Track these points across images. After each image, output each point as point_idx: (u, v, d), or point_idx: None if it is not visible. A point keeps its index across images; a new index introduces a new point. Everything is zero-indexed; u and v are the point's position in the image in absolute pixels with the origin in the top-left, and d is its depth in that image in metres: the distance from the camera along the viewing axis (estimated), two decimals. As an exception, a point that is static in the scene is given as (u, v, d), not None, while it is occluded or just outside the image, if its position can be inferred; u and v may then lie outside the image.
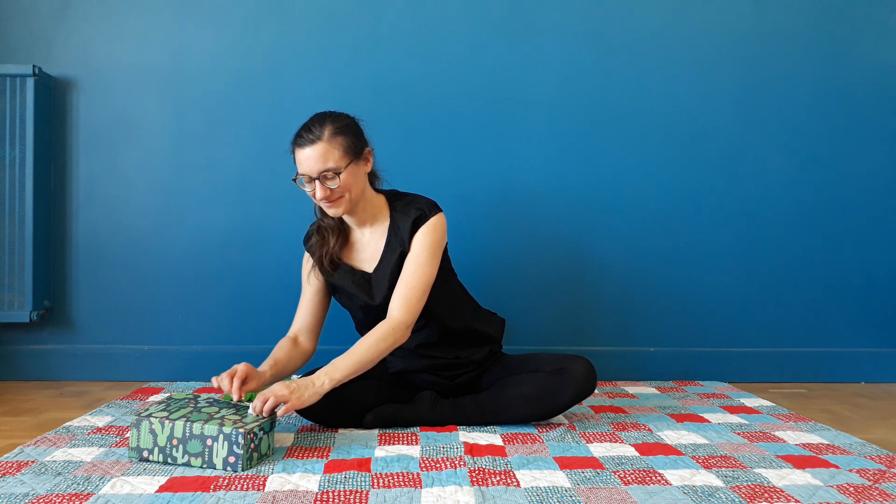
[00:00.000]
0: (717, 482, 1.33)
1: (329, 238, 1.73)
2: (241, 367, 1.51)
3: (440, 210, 1.71)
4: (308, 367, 1.80)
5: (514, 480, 1.32)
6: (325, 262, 1.72)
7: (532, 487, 1.28)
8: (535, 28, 2.31)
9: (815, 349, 2.39)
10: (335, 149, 1.58)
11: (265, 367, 1.61)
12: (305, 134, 1.60)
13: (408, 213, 1.69)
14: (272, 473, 1.34)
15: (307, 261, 1.79)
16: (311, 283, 1.77)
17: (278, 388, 1.46)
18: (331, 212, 1.66)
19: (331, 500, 1.22)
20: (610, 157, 2.33)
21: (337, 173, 1.58)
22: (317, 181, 1.59)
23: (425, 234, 1.67)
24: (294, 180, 1.64)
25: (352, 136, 1.62)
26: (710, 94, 2.34)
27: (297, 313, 1.79)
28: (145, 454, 1.40)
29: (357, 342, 1.59)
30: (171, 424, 1.37)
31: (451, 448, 1.50)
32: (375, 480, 1.31)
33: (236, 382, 1.48)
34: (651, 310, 2.35)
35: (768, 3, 2.35)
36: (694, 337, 2.36)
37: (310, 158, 1.58)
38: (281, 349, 1.70)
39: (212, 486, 1.27)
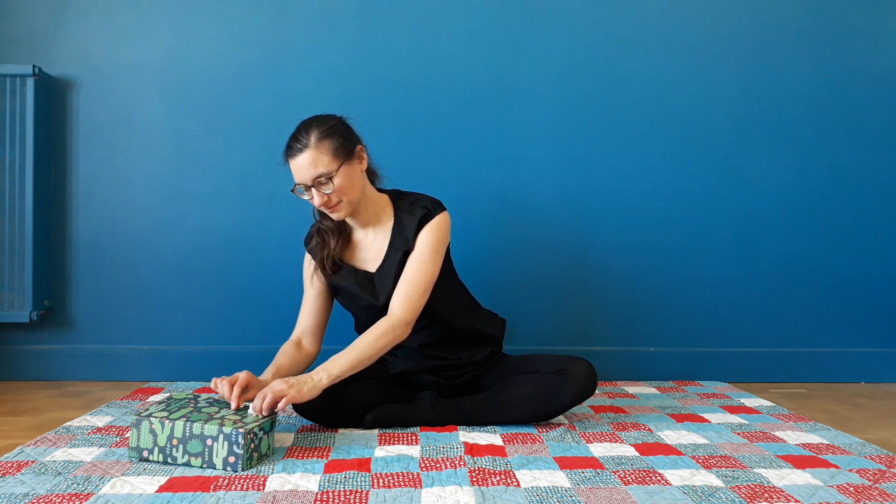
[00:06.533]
0: (717, 482, 1.33)
1: (329, 240, 1.73)
2: (242, 376, 1.50)
3: (445, 209, 1.71)
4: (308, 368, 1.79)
5: (514, 480, 1.32)
6: (327, 265, 1.72)
7: (532, 487, 1.28)
8: (534, 23, 2.31)
9: (815, 349, 2.39)
10: (323, 154, 1.57)
11: (267, 374, 1.61)
12: (294, 144, 1.60)
13: (413, 212, 1.69)
14: (272, 473, 1.34)
15: (308, 262, 1.79)
16: (313, 285, 1.77)
17: (276, 384, 1.46)
18: (333, 216, 1.66)
19: (331, 500, 1.22)
20: (609, 156, 2.33)
21: (329, 178, 1.58)
22: (313, 189, 1.60)
23: (429, 232, 1.67)
24: (293, 191, 1.64)
25: (339, 137, 1.61)
26: (709, 89, 2.34)
27: (299, 316, 1.79)
28: (145, 454, 1.40)
29: (357, 339, 1.59)
30: (171, 424, 1.37)
31: (451, 448, 1.50)
32: (375, 480, 1.31)
33: (236, 390, 1.47)
34: (651, 310, 2.35)
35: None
36: (694, 337, 2.36)
37: (301, 167, 1.58)
38: (284, 354, 1.70)
39: (212, 486, 1.27)
